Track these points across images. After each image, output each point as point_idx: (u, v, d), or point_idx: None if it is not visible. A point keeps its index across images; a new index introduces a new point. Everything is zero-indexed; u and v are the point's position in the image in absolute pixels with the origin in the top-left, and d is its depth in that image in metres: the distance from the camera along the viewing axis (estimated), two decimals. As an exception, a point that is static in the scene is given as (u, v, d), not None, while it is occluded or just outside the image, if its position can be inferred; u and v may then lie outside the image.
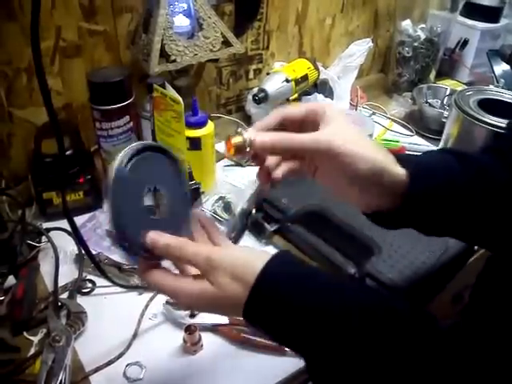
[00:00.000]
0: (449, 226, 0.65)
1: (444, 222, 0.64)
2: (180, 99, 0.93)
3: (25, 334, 0.91)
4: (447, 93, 1.65)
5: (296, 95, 1.29)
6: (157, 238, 0.59)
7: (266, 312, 0.55)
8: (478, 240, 0.70)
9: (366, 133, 1.40)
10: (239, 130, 0.61)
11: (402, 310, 0.54)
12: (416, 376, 0.49)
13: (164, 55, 1.10)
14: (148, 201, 0.61)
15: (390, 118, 1.63)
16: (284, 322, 0.54)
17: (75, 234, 0.68)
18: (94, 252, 1.05)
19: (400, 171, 0.60)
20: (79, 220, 1.14)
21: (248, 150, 0.60)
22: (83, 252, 1.03)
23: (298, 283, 0.55)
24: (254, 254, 0.59)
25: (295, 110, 0.63)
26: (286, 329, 0.55)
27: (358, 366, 0.51)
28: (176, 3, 1.12)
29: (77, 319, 0.92)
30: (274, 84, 1.22)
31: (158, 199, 0.63)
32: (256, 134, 0.59)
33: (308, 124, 0.62)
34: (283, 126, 0.63)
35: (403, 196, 0.60)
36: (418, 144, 1.49)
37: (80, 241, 0.70)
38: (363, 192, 0.62)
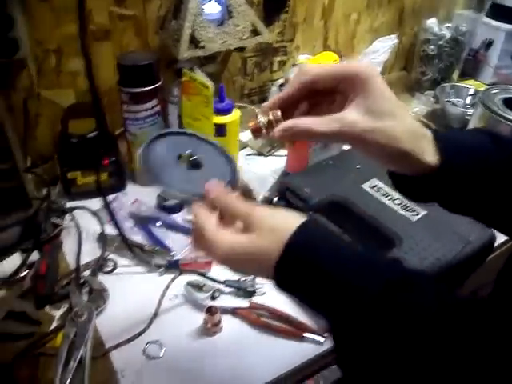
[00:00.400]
0: (476, 206, 0.64)
1: (472, 202, 0.63)
2: (209, 84, 0.94)
3: (47, 308, 0.93)
4: (470, 92, 1.65)
5: (321, 87, 1.29)
6: (212, 187, 0.62)
7: (297, 271, 0.54)
8: (505, 225, 0.68)
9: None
10: (257, 111, 0.62)
11: (426, 282, 0.53)
12: (440, 351, 0.48)
13: (193, 41, 1.11)
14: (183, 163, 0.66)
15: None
16: (314, 282, 0.54)
17: (108, 210, 0.69)
18: (115, 233, 1.07)
19: (430, 157, 0.59)
20: (102, 201, 1.15)
21: (265, 131, 0.61)
22: (105, 232, 1.06)
23: (332, 247, 0.55)
24: (290, 214, 0.59)
25: (323, 77, 0.59)
26: (314, 289, 0.54)
27: (383, 332, 0.50)
28: (207, -10, 1.13)
29: (98, 296, 0.93)
30: (300, 75, 1.22)
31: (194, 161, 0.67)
32: (272, 116, 0.60)
33: (339, 90, 0.60)
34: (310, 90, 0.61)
35: (432, 172, 0.59)
36: (440, 142, 1.49)
37: (112, 217, 0.70)
38: (388, 165, 0.62)
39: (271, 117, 0.60)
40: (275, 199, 1.11)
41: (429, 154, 0.59)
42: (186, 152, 0.67)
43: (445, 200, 0.65)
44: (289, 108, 0.62)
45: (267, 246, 0.56)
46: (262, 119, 0.61)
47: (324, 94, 0.62)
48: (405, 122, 0.58)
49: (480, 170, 0.60)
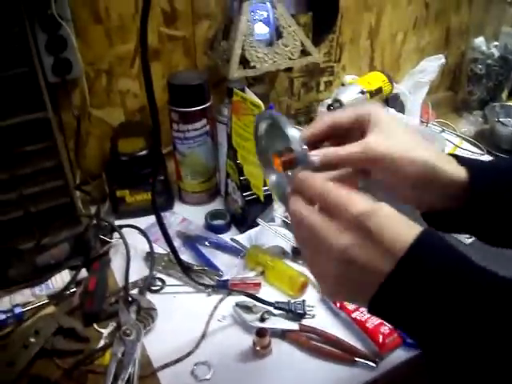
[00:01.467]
0: None
1: (508, 230, 0.60)
2: (261, 103, 0.94)
3: (95, 325, 0.94)
4: (521, 112, 1.61)
5: (370, 107, 1.28)
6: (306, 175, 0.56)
7: (412, 285, 0.47)
8: None
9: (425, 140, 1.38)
10: (284, 147, 0.61)
11: None
12: None
13: (243, 61, 1.12)
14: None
15: (459, 136, 1.60)
16: (430, 300, 0.47)
17: (161, 229, 0.68)
18: (163, 251, 1.07)
19: (457, 170, 0.58)
20: (149, 220, 1.16)
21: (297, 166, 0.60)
22: (160, 250, 1.06)
23: (454, 266, 0.48)
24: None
25: (342, 117, 0.62)
26: (430, 310, 0.47)
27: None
28: (257, 11, 1.14)
29: (147, 315, 0.93)
30: (349, 95, 1.21)
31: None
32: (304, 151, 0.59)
33: (355, 130, 0.61)
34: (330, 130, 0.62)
35: (464, 196, 0.58)
36: (490, 163, 1.46)
37: (164, 234, 0.69)
38: (419, 192, 0.60)
39: None
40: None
41: (453, 177, 0.58)
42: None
43: (479, 232, 0.64)
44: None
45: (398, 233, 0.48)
46: (295, 154, 0.59)
47: (344, 135, 0.62)
48: (418, 150, 0.58)
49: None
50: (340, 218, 0.51)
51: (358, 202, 0.50)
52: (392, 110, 1.44)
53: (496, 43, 1.71)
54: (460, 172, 0.58)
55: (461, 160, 0.60)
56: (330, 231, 0.51)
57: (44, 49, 1.05)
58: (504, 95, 1.75)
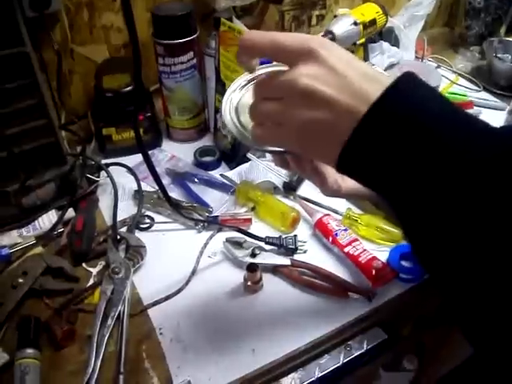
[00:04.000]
0: None
1: None
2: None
3: (84, 265, 0.93)
4: (520, 47, 1.57)
5: (363, 39, 1.23)
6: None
7: (395, 117, 0.43)
8: None
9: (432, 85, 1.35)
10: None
11: None
12: None
13: (230, -9, 1.07)
14: None
15: (455, 72, 1.56)
16: (403, 144, 0.42)
17: (147, 164, 0.65)
18: (151, 189, 1.05)
19: None
20: (137, 158, 1.14)
21: None
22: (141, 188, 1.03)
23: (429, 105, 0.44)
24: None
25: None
26: (401, 155, 0.43)
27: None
28: None
29: (136, 253, 0.92)
30: (341, 26, 1.16)
31: None
32: None
33: None
34: None
35: None
36: (486, 99, 1.42)
37: (152, 171, 0.66)
38: None
39: None
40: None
41: None
42: None
43: None
44: None
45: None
46: None
47: None
48: None
49: None
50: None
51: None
52: (386, 44, 1.39)
53: (495, -25, 1.64)
54: None
55: None
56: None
57: (20, -19, 0.99)
58: (502, 30, 1.70)
